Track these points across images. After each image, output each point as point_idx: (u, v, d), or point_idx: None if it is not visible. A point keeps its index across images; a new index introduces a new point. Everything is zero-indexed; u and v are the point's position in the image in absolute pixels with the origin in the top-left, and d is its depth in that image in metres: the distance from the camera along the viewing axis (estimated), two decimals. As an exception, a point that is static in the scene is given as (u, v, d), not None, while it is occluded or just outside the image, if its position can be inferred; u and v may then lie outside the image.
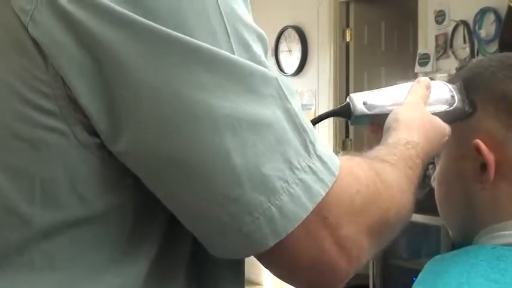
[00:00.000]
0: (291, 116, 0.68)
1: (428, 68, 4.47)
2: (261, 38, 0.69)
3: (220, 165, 0.64)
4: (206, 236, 0.69)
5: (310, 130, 0.69)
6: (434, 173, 1.06)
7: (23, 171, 0.67)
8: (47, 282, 0.68)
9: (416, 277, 1.01)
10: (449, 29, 4.34)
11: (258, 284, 5.63)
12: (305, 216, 0.67)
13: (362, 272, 4.25)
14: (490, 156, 0.94)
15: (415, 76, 4.57)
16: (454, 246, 1.03)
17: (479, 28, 4.17)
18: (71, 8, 0.64)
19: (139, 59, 0.63)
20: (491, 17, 4.12)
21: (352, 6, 5.25)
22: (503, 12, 4.01)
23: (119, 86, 0.64)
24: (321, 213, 0.68)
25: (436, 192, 1.06)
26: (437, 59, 4.45)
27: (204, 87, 0.64)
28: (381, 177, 0.75)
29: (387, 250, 3.82)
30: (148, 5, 0.64)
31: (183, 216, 0.69)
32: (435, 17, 4.41)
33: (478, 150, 0.95)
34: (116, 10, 0.63)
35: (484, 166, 0.95)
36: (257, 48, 0.68)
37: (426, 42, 4.52)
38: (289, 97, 0.68)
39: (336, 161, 0.70)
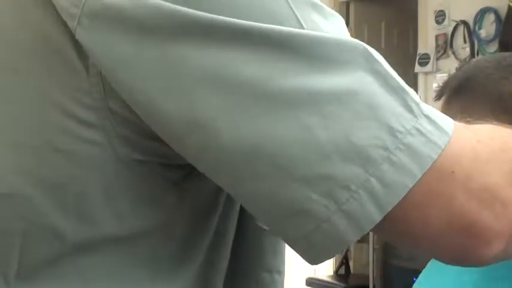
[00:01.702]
0: (383, 78, 0.61)
1: (428, 68, 4.47)
2: (333, 14, 0.64)
3: (302, 143, 0.58)
4: (299, 235, 0.61)
5: (410, 90, 0.62)
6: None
7: (59, 185, 0.64)
8: None
9: (416, 277, 1.01)
10: (449, 29, 4.34)
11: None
12: (411, 185, 0.59)
13: (362, 272, 4.25)
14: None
15: (415, 76, 4.57)
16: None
17: (479, 28, 4.17)
18: (125, 5, 0.60)
19: (205, 52, 0.59)
20: (491, 17, 4.12)
21: (352, 6, 5.25)
22: (503, 12, 4.01)
23: (189, 80, 0.59)
24: (443, 170, 0.60)
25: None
26: (437, 59, 4.45)
27: (272, 68, 0.59)
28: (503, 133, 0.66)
29: (387, 250, 3.83)
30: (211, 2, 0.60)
31: (268, 217, 0.62)
32: (435, 17, 4.41)
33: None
34: (178, 10, 0.59)
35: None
36: (326, 19, 0.63)
37: (426, 42, 4.52)
38: (379, 60, 0.62)
39: (448, 119, 0.63)
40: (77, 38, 0.61)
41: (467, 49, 4.23)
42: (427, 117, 0.61)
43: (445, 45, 4.39)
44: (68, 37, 0.62)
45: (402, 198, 0.59)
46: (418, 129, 0.60)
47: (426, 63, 4.49)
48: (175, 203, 0.66)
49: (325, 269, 4.70)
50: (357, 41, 0.61)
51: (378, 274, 3.88)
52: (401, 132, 0.59)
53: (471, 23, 4.21)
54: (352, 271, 4.33)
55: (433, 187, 0.60)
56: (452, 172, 0.60)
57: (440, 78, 4.20)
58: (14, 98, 0.65)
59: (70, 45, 0.62)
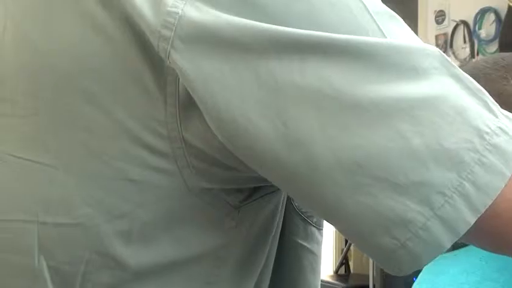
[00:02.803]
0: (462, 81, 0.62)
1: (428, 68, 4.47)
2: (404, 24, 0.66)
3: (398, 151, 0.58)
4: (395, 247, 0.61)
5: (486, 92, 0.63)
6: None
7: (126, 214, 0.64)
8: None
9: (416, 277, 1.01)
10: (449, 29, 4.34)
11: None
12: (503, 185, 0.59)
13: (362, 272, 4.25)
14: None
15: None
16: (454, 246, 1.04)
17: (479, 28, 4.17)
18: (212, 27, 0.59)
19: (300, 68, 0.59)
20: (491, 17, 4.12)
21: (352, 6, 5.24)
22: (503, 12, 4.01)
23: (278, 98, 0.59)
24: None
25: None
26: (437, 59, 4.45)
27: (362, 79, 0.59)
28: None
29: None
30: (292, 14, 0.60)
31: (364, 232, 0.61)
32: (435, 17, 4.41)
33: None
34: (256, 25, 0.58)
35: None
36: (403, 29, 0.64)
37: (426, 42, 4.50)
38: (454, 64, 0.63)
39: None
40: (169, 61, 0.60)
41: (467, 49, 4.23)
42: (506, 116, 0.62)
43: (445, 45, 4.38)
44: (147, 65, 0.61)
45: (494, 200, 0.59)
46: (502, 129, 0.60)
47: (426, 63, 4.48)
48: (232, 228, 0.67)
49: (325, 269, 4.69)
50: (432, 46, 0.63)
51: (378, 274, 3.88)
52: (487, 133, 0.60)
53: (471, 23, 4.21)
54: (352, 271, 4.33)
55: None
56: None
57: (440, 78, 4.20)
58: (89, 126, 0.64)
59: (148, 73, 0.62)
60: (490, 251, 0.67)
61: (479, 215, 0.59)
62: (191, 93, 0.60)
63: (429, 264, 1.00)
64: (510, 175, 0.59)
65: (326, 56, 0.59)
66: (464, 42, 4.26)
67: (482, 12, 4.15)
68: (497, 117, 0.61)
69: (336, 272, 4.35)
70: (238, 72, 0.59)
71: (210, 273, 0.67)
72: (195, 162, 0.63)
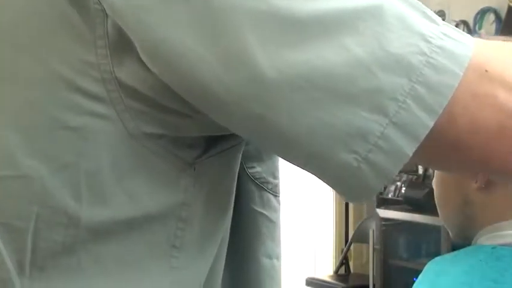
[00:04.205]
0: None
1: (428, 68, 4.47)
2: None
3: (344, 62, 0.58)
4: (346, 164, 0.59)
5: (424, 6, 0.63)
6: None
7: (69, 164, 0.63)
8: (95, 286, 0.64)
9: (416, 277, 1.01)
10: (449, 29, 4.34)
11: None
12: (456, 84, 0.59)
13: (362, 272, 4.25)
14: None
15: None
16: (454, 247, 1.04)
17: (479, 28, 4.17)
18: None
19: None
20: (491, 17, 4.12)
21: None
22: (503, 12, 4.01)
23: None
24: (478, 69, 0.60)
25: (435, 193, 1.06)
26: (437, 59, 4.45)
27: None
28: None
29: (387, 250, 3.83)
30: None
31: (322, 152, 0.60)
32: (435, 17, 4.42)
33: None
34: None
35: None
36: None
37: (426, 42, 4.52)
38: None
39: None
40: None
41: (467, 49, 4.24)
42: (447, 25, 0.62)
43: (445, 45, 4.39)
44: (76, 10, 0.62)
45: (449, 102, 0.59)
46: (445, 34, 0.61)
47: (426, 63, 4.49)
48: (190, 186, 0.65)
49: (325, 269, 4.70)
50: None
51: (378, 274, 3.88)
52: (432, 37, 0.60)
53: (471, 23, 4.21)
54: (352, 271, 4.33)
55: (474, 86, 0.60)
56: (486, 71, 0.61)
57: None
58: (27, 78, 0.64)
59: (77, 18, 0.62)
60: (445, 169, 0.67)
61: (436, 117, 0.59)
62: (122, 26, 0.60)
63: (430, 265, 1.00)
64: (461, 74, 0.59)
65: None
66: (464, 42, 4.26)
67: (482, 12, 4.15)
68: (439, 25, 0.61)
69: (336, 272, 4.35)
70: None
71: (173, 235, 0.66)
72: (133, 105, 0.62)
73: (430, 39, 0.60)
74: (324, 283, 4.25)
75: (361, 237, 4.11)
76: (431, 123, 0.59)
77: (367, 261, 4.05)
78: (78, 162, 0.63)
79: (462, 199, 1.00)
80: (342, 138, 0.59)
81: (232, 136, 0.66)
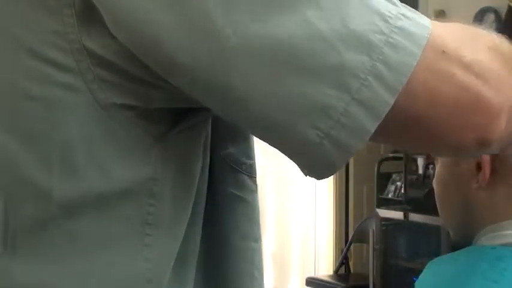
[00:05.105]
0: None
1: (428, 68, 4.47)
2: None
3: (307, 36, 0.59)
4: (309, 140, 0.61)
5: None
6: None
7: (38, 135, 0.63)
8: (69, 264, 0.64)
9: (416, 277, 1.01)
10: (449, 29, 4.34)
11: (258, 284, 5.62)
12: (415, 63, 0.61)
13: (362, 272, 4.25)
14: (485, 156, 0.94)
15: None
16: (454, 246, 1.04)
17: (479, 28, 4.17)
18: None
19: None
20: (491, 17, 4.12)
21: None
22: (503, 12, 4.01)
23: None
24: (436, 48, 0.63)
25: (435, 193, 1.06)
26: (437, 59, 4.45)
27: None
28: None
29: (387, 250, 3.83)
30: None
31: (287, 127, 0.61)
32: (435, 17, 4.40)
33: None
34: None
35: (479, 165, 0.96)
36: None
37: (426, 42, 4.52)
38: None
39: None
40: None
41: (467, 49, 4.24)
42: (406, 7, 0.64)
43: (445, 45, 4.39)
44: None
45: (408, 80, 0.61)
46: (403, 15, 0.63)
47: (426, 63, 4.49)
48: (158, 161, 0.65)
49: (325, 269, 4.70)
50: None
51: (378, 274, 3.88)
52: (390, 18, 0.62)
53: (471, 23, 4.21)
54: (352, 271, 4.33)
55: (432, 64, 0.62)
56: (444, 51, 0.63)
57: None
58: None
59: None
60: (406, 146, 0.70)
61: (396, 94, 0.61)
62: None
63: (430, 265, 1.00)
64: (420, 53, 0.61)
65: None
66: (464, 42, 4.26)
67: (482, 12, 4.15)
68: (398, 6, 0.63)
69: (336, 271, 4.35)
70: None
71: (146, 212, 0.65)
72: (102, 74, 0.62)
73: (388, 19, 0.61)
74: (324, 283, 4.25)
75: (361, 237, 4.11)
76: (392, 101, 0.60)
77: (367, 261, 4.05)
78: (48, 134, 0.63)
79: (462, 199, 1.00)
80: (305, 113, 0.60)
81: (200, 111, 0.67)
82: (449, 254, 1.00)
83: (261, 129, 0.64)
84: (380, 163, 4.05)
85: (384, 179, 4.08)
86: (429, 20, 0.65)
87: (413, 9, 0.65)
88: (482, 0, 4.14)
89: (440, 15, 4.40)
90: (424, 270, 1.00)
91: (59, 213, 0.64)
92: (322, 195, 4.92)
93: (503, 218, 0.96)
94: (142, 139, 0.65)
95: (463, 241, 1.02)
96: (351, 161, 4.61)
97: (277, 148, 0.64)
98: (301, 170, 0.65)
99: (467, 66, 0.63)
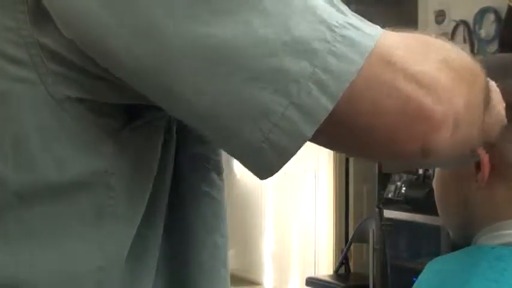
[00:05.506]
0: None
1: (428, 68, 4.47)
2: None
3: (249, 39, 0.60)
4: (250, 142, 0.62)
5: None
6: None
7: None
8: (23, 254, 0.65)
9: (416, 277, 1.01)
10: (449, 29, 4.34)
11: (258, 284, 5.63)
12: (355, 71, 0.62)
13: (362, 272, 4.25)
14: (484, 156, 0.94)
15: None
16: (454, 246, 1.04)
17: (479, 28, 4.17)
18: None
19: None
20: (491, 17, 4.12)
21: (352, 7, 5.23)
22: (503, 12, 4.01)
23: None
24: (382, 58, 0.64)
25: (435, 193, 1.06)
26: (438, 59, 4.45)
27: None
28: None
29: (387, 250, 3.83)
30: None
31: (225, 128, 0.63)
32: (435, 17, 4.41)
33: (473, 149, 0.95)
34: None
35: (478, 165, 0.96)
36: None
37: (426, 42, 4.51)
38: None
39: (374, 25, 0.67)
40: None
41: (467, 49, 4.23)
42: (356, 16, 0.65)
43: (445, 45, 4.39)
44: None
45: (350, 88, 0.62)
46: (350, 24, 0.63)
47: (426, 63, 4.48)
48: (111, 155, 0.66)
49: (325, 269, 4.70)
50: None
51: (378, 274, 3.88)
52: (336, 27, 0.62)
53: (471, 23, 4.21)
54: (352, 271, 4.33)
55: (376, 74, 0.63)
56: (389, 61, 0.64)
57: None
58: None
59: None
60: (347, 152, 0.71)
61: (336, 101, 0.62)
62: None
63: (430, 265, 1.00)
64: (362, 62, 0.62)
65: None
66: (464, 42, 4.26)
67: (482, 12, 4.15)
68: (346, 15, 0.64)
69: (336, 271, 4.35)
70: None
71: (104, 204, 0.67)
72: (55, 68, 0.64)
73: (334, 28, 0.62)
74: (324, 283, 4.25)
75: (361, 237, 4.11)
76: (330, 107, 0.62)
77: (367, 261, 4.05)
78: (4, 126, 0.64)
79: (462, 199, 1.00)
80: (247, 116, 0.62)
81: (154, 109, 0.68)
82: (449, 253, 1.00)
83: (208, 130, 0.65)
84: (380, 163, 4.05)
85: (384, 179, 4.09)
86: (381, 30, 0.65)
87: (364, 20, 0.66)
88: (482, 0, 4.14)
89: (440, 15, 4.40)
90: (424, 270, 1.00)
91: (14, 202, 0.65)
92: (322, 195, 4.92)
93: (503, 217, 0.96)
94: (96, 133, 0.66)
95: (463, 241, 1.02)
96: (351, 161, 4.61)
97: (226, 151, 0.66)
98: (251, 172, 0.66)
99: (412, 77, 0.64)
